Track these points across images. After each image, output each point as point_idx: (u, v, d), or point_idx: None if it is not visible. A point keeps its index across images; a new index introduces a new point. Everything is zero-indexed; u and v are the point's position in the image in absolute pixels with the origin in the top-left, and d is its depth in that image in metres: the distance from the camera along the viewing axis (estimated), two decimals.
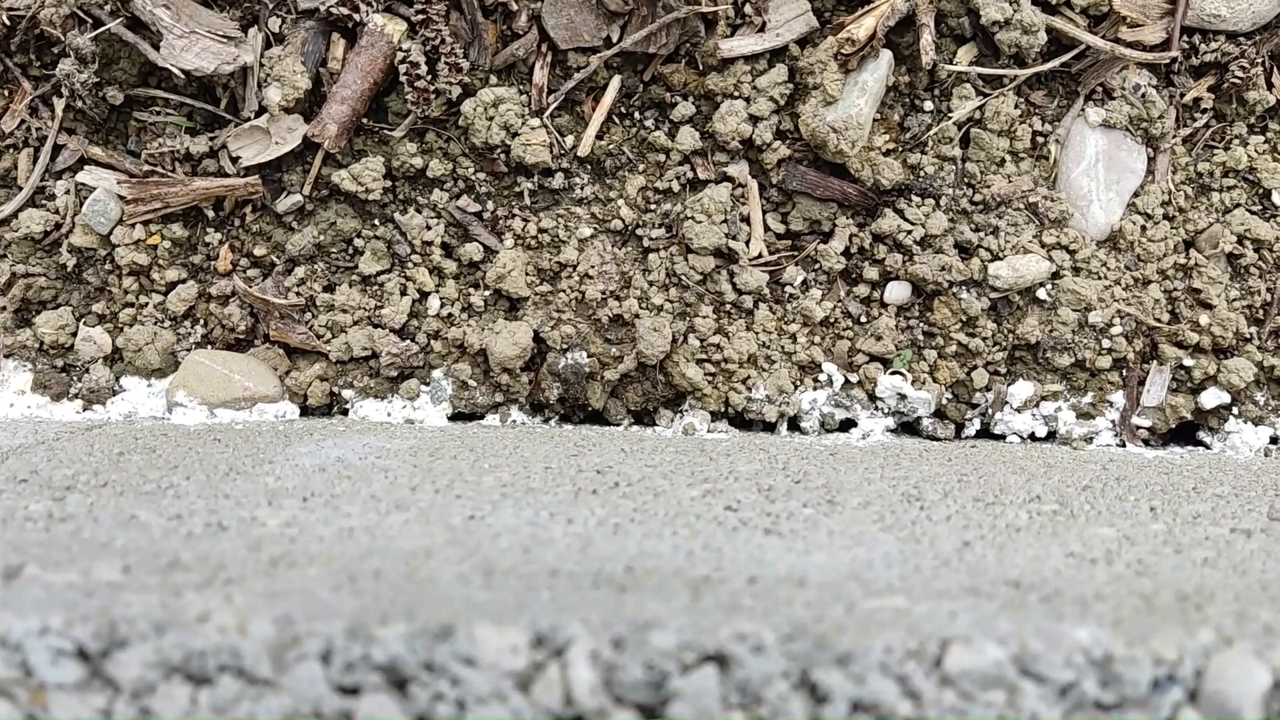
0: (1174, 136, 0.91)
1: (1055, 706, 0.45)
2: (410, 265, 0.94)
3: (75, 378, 0.94)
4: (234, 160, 0.92)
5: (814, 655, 0.45)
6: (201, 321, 0.95)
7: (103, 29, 0.87)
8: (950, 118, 0.90)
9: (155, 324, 0.94)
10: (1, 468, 0.71)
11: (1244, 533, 0.65)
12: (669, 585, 0.51)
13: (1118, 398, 0.93)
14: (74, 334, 0.94)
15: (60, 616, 0.44)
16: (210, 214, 0.93)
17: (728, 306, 0.94)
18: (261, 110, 0.90)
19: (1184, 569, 0.57)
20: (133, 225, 0.92)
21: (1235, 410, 0.93)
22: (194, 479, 0.69)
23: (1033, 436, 0.94)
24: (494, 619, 0.45)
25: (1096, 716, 0.45)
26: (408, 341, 0.95)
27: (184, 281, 0.94)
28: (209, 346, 0.95)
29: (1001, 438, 0.95)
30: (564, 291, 0.94)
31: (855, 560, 0.56)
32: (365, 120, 0.92)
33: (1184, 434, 0.96)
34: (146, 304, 0.94)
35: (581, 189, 0.94)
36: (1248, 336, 0.92)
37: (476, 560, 0.54)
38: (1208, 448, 0.94)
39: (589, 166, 0.94)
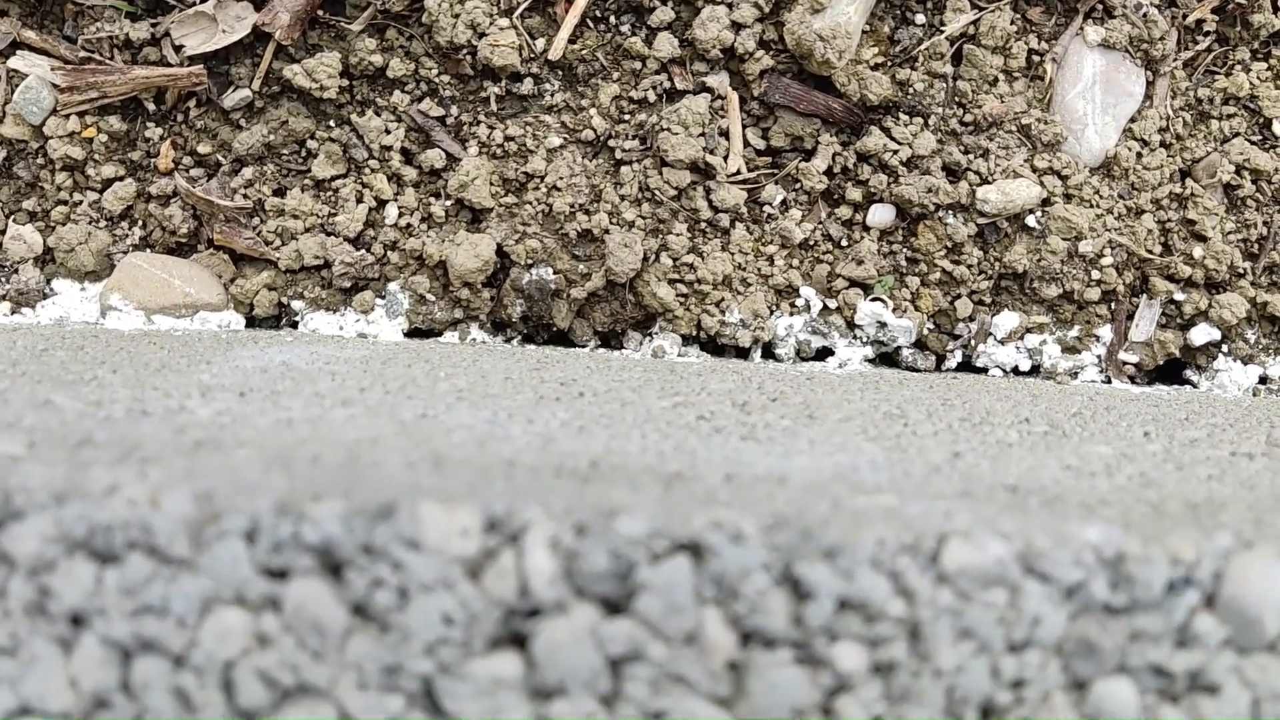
0: (1175, 60, 0.87)
1: (1060, 608, 0.41)
2: (367, 171, 0.88)
3: (3, 278, 0.87)
4: (177, 49, 0.85)
5: (798, 548, 0.40)
6: (140, 223, 0.89)
7: None
8: (943, 32, 0.86)
9: (90, 223, 0.87)
10: None
11: (1245, 455, 0.61)
12: (638, 480, 0.47)
13: (1105, 331, 0.89)
14: (2, 231, 0.87)
15: None
16: (151, 107, 0.87)
17: (703, 225, 0.89)
18: None
19: (1189, 483, 0.53)
20: (67, 116, 0.85)
21: (1225, 348, 0.89)
22: (121, 373, 0.63)
23: (1016, 370, 0.91)
24: (442, 499, 0.40)
25: (1105, 620, 0.41)
26: (363, 251, 0.89)
27: (121, 179, 0.88)
28: (148, 250, 0.88)
29: (984, 370, 0.91)
30: (530, 204, 0.89)
31: (839, 464, 0.52)
32: (321, 12, 0.86)
33: (1170, 373, 0.92)
34: (81, 202, 0.87)
35: (551, 96, 0.88)
36: (1241, 271, 0.88)
37: (426, 450, 0.49)
38: (1195, 386, 0.90)
39: (560, 72, 0.88)
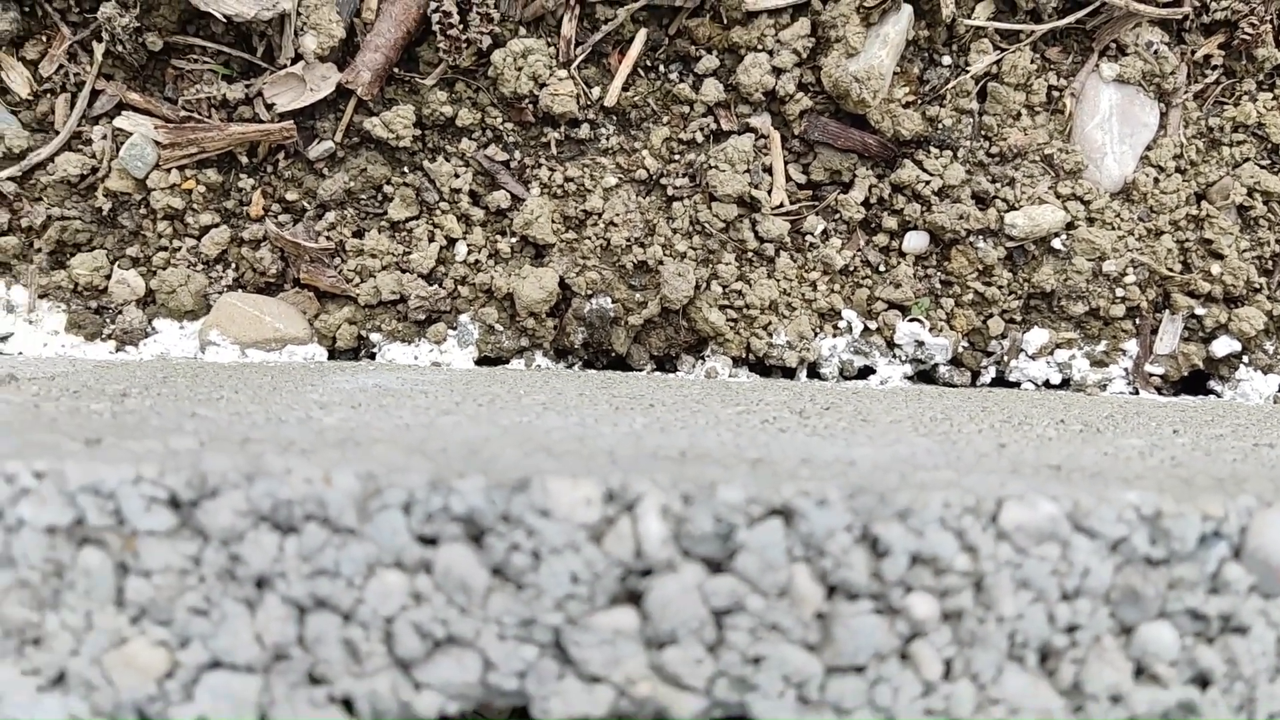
0: (1185, 92, 0.94)
1: (1107, 561, 0.47)
2: (438, 212, 0.96)
3: (109, 319, 0.95)
4: (269, 107, 0.93)
5: (875, 510, 0.46)
6: (233, 265, 0.96)
7: None
8: (968, 71, 0.93)
9: (188, 267, 0.95)
10: (52, 385, 0.72)
11: (1267, 445, 0.67)
12: (726, 462, 0.53)
13: (1131, 345, 0.95)
14: (108, 276, 0.95)
15: (153, 467, 0.45)
16: (244, 160, 0.95)
17: (750, 254, 0.96)
18: (297, 58, 0.92)
19: (1216, 465, 0.59)
20: (168, 170, 0.93)
21: (1245, 359, 0.95)
22: (243, 393, 0.70)
23: (1047, 384, 0.97)
24: (567, 475, 0.47)
25: (1146, 571, 0.47)
26: (435, 286, 0.96)
27: (217, 226, 0.96)
28: (240, 290, 0.96)
29: (1017, 384, 0.97)
30: (589, 239, 0.96)
31: (898, 453, 0.58)
32: (397, 69, 0.94)
33: (1195, 384, 0.98)
34: (180, 248, 0.95)
35: (607, 139, 0.96)
36: (1258, 286, 0.94)
37: (534, 445, 0.56)
38: (1219, 395, 0.96)
39: (615, 117, 0.96)
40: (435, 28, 0.91)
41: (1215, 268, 0.93)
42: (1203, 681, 0.48)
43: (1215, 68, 0.94)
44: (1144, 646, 0.47)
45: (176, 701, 0.46)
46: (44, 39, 0.93)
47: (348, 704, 0.47)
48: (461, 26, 0.92)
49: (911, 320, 0.96)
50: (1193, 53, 0.94)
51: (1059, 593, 0.47)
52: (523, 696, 0.47)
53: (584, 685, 0.47)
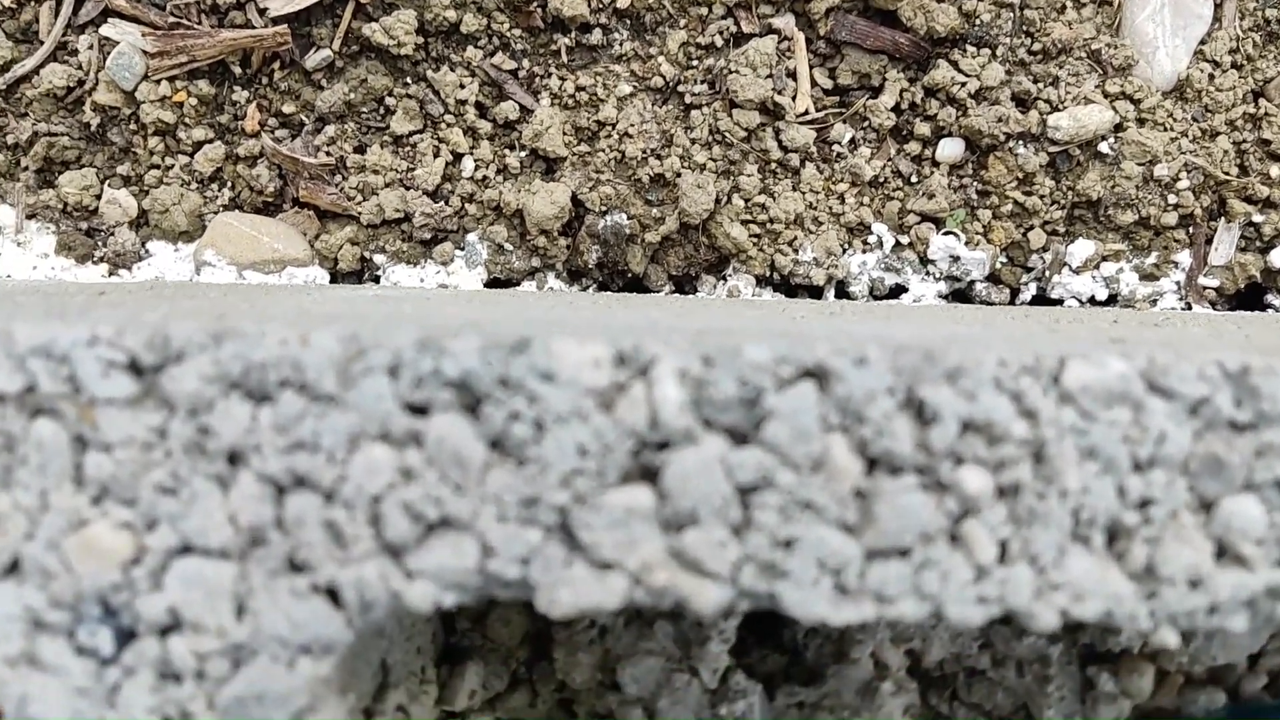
0: None
1: (1185, 425, 0.41)
2: (443, 125, 0.91)
3: (100, 241, 0.91)
4: (261, 11, 0.88)
5: (921, 370, 0.41)
6: (229, 183, 0.92)
7: None
8: None
9: (182, 185, 0.91)
10: (34, 295, 0.67)
11: None
12: (753, 333, 0.48)
13: (1183, 257, 0.89)
14: (98, 195, 0.90)
15: (111, 326, 0.40)
16: (237, 70, 0.90)
17: (773, 165, 0.90)
18: None
19: None
20: (158, 81, 0.89)
21: None
22: (231, 297, 0.66)
23: (1093, 300, 0.91)
24: (573, 334, 0.42)
25: (1230, 436, 0.41)
26: (441, 203, 0.91)
27: (211, 141, 0.91)
28: (237, 209, 0.91)
29: (1059, 302, 0.91)
30: (603, 151, 0.90)
31: (940, 332, 0.53)
32: None
33: (1252, 299, 0.92)
34: (173, 165, 0.91)
35: (620, 45, 0.91)
36: None
37: (543, 322, 0.51)
38: (1278, 310, 0.90)
39: (628, 21, 0.91)
40: None
41: (1275, 169, 0.87)
42: None
43: None
44: (1227, 523, 0.42)
45: (144, 590, 0.41)
46: None
47: (332, 593, 0.42)
48: None
49: (946, 234, 0.90)
50: None
51: (1130, 463, 0.42)
52: (526, 586, 0.42)
53: (594, 573, 0.42)
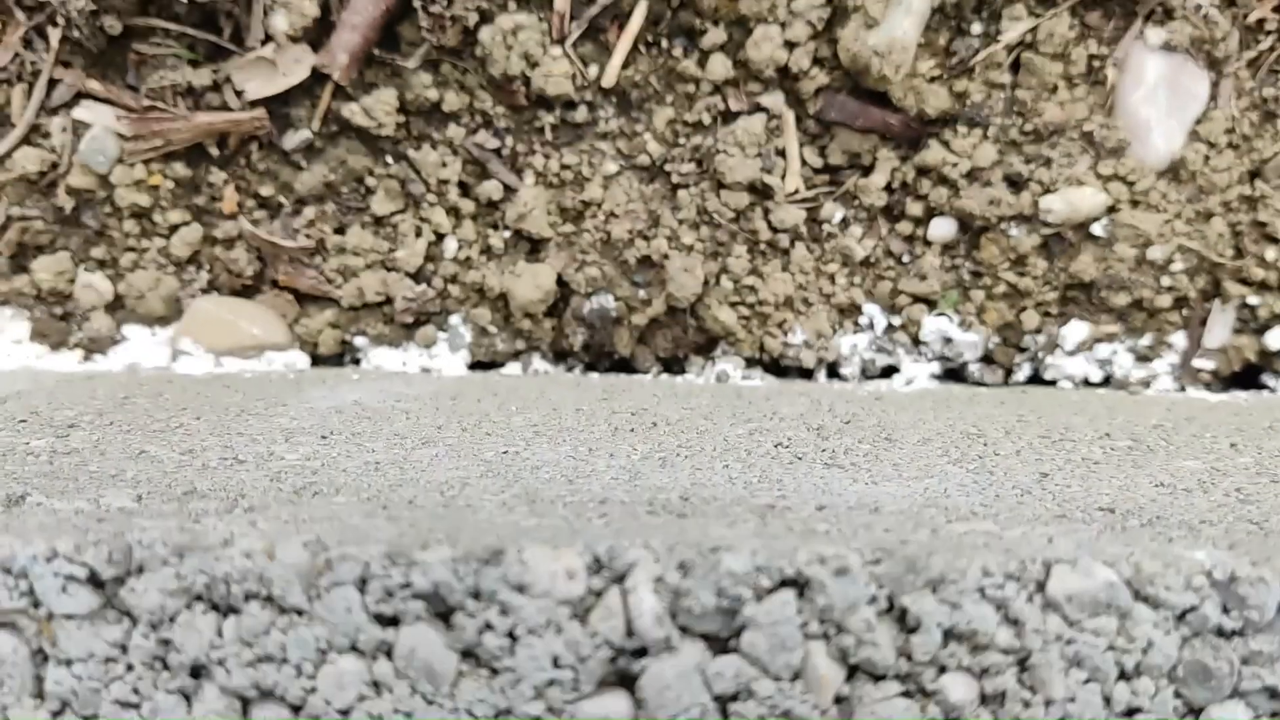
0: (1238, 60, 0.86)
1: (1172, 634, 0.40)
2: (425, 205, 0.89)
3: (75, 326, 0.89)
4: (238, 94, 0.86)
5: (903, 579, 0.40)
6: (206, 266, 0.90)
7: None
8: (1000, 41, 0.85)
9: (158, 269, 0.89)
10: (1, 409, 0.66)
11: None
12: (732, 512, 0.47)
13: (1178, 339, 0.88)
14: (73, 280, 0.89)
15: (69, 541, 0.39)
16: (214, 152, 0.88)
17: (763, 245, 0.89)
18: (267, 39, 0.85)
19: None
20: (133, 164, 0.87)
21: None
22: (204, 419, 0.64)
23: (1086, 381, 0.89)
24: (546, 542, 0.40)
25: (1218, 644, 0.40)
26: (424, 285, 0.90)
27: (188, 224, 0.89)
28: (215, 293, 0.90)
29: (1053, 383, 0.90)
30: (588, 231, 0.89)
31: (928, 490, 0.52)
32: (377, 50, 0.87)
33: (1247, 379, 0.91)
34: (148, 248, 0.89)
35: (606, 122, 0.89)
36: None
37: (518, 489, 0.50)
38: (1272, 391, 0.89)
39: (614, 98, 0.89)
40: (417, 4, 0.84)
41: (1270, 252, 0.86)
42: None
43: (1269, 32, 0.85)
44: None
45: None
46: None
47: None
48: (445, 3, 0.84)
49: (939, 315, 0.89)
50: (1245, 16, 0.85)
51: (1117, 671, 0.41)
52: None
53: None
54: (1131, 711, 0.41)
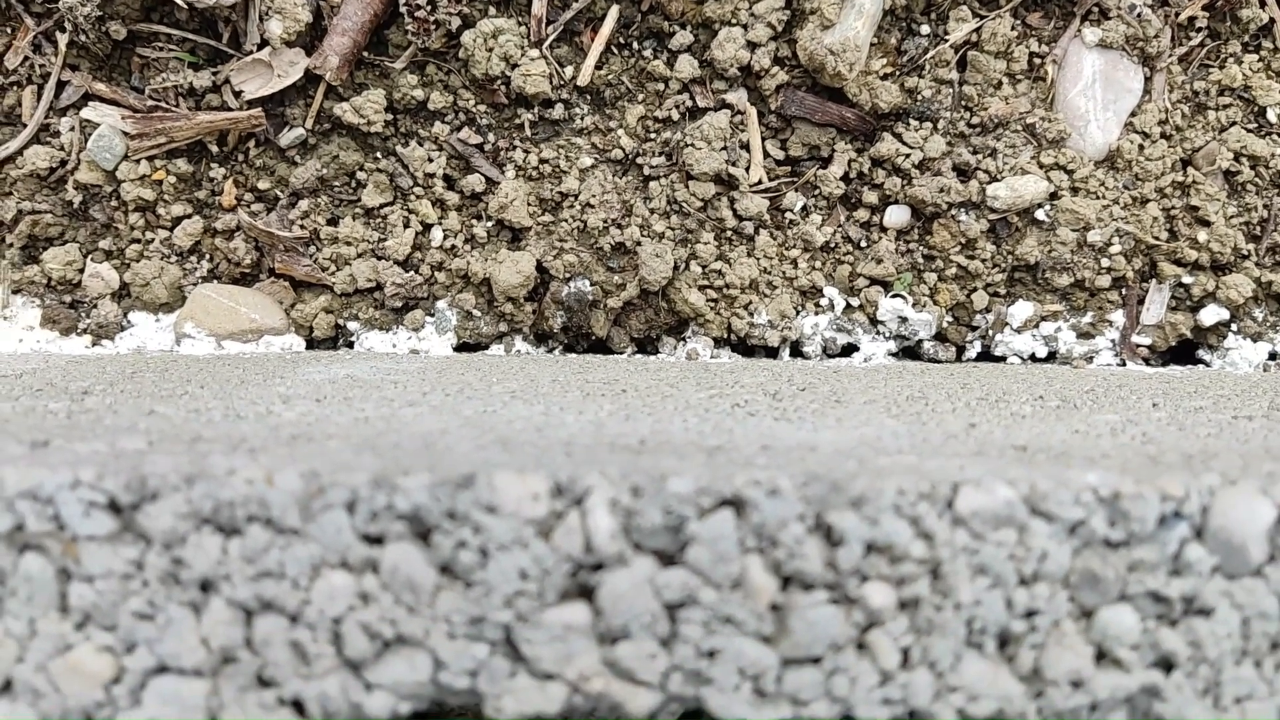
0: (1170, 55, 0.92)
1: (1065, 544, 0.46)
2: (413, 197, 0.95)
3: (83, 313, 0.95)
4: (237, 94, 0.92)
5: (828, 499, 0.45)
6: (207, 256, 0.96)
7: None
8: (947, 40, 0.91)
9: (162, 259, 0.95)
10: (16, 383, 0.71)
11: (1246, 418, 0.66)
12: (683, 451, 0.52)
13: (1117, 316, 0.94)
14: (81, 270, 0.94)
15: (91, 470, 0.45)
16: (214, 149, 0.94)
17: (729, 233, 0.95)
18: (263, 43, 0.91)
19: (1188, 440, 0.58)
20: (137, 161, 0.93)
21: (1234, 327, 0.94)
22: (208, 388, 0.70)
23: (1033, 357, 0.95)
24: (514, 469, 0.46)
25: (1105, 553, 0.46)
26: (411, 273, 0.95)
27: (189, 216, 0.95)
28: (215, 281, 0.95)
29: (1002, 359, 0.96)
30: (566, 221, 0.95)
31: (864, 436, 0.57)
32: (366, 53, 0.93)
33: (1184, 353, 0.97)
34: (153, 239, 0.95)
35: (581, 119, 0.95)
36: (1246, 253, 0.93)
37: (492, 436, 0.55)
38: (1207, 365, 0.95)
39: (589, 97, 0.95)
40: (403, 9, 0.90)
41: (1202, 235, 0.92)
42: (1166, 665, 0.47)
43: (1200, 30, 0.92)
44: (1105, 630, 0.46)
45: (124, 707, 0.46)
46: (8, 31, 0.92)
47: (298, 705, 0.46)
48: (429, 8, 0.90)
49: (894, 296, 0.95)
50: (1176, 15, 0.91)
51: (1017, 578, 0.46)
52: (475, 695, 0.47)
53: (536, 682, 0.46)
54: (1031, 613, 0.46)
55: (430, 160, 0.94)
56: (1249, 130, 0.92)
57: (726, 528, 0.45)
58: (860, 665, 0.46)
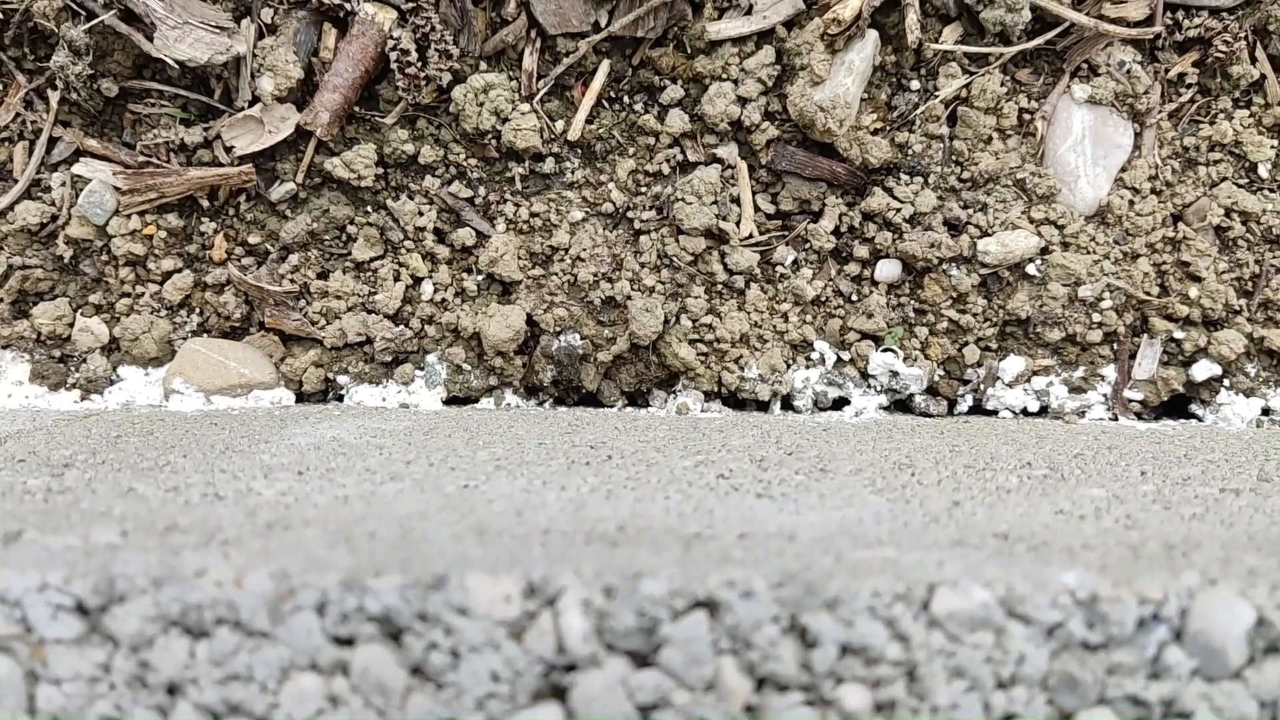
0: (1160, 111, 0.92)
1: (1042, 647, 0.45)
2: (403, 251, 0.95)
3: (73, 368, 0.95)
4: (228, 150, 0.92)
5: (803, 600, 0.45)
6: (197, 310, 0.96)
7: (96, 21, 0.87)
8: (937, 96, 0.91)
9: (152, 313, 0.95)
10: (1, 450, 0.71)
11: (1233, 492, 0.65)
12: (660, 541, 0.52)
13: (1109, 371, 0.93)
14: (71, 324, 0.94)
15: (59, 573, 0.44)
16: (205, 203, 0.94)
17: (719, 287, 0.94)
18: (255, 100, 0.91)
19: (1171, 523, 0.57)
20: (128, 216, 0.93)
21: (1227, 382, 0.93)
22: (191, 457, 0.70)
23: (1025, 411, 0.95)
24: (487, 570, 0.46)
25: (1084, 656, 0.46)
26: (401, 326, 0.95)
27: (180, 271, 0.95)
28: (205, 335, 0.95)
29: (994, 413, 0.95)
30: (556, 275, 0.95)
31: (845, 518, 0.57)
32: (357, 108, 0.93)
33: (1177, 407, 0.96)
34: (143, 294, 0.95)
35: (572, 173, 0.95)
36: (1237, 308, 0.92)
37: (470, 522, 0.55)
38: (1200, 420, 0.94)
39: (579, 151, 0.95)
40: (394, 66, 0.90)
41: (1193, 290, 0.91)
42: None
43: (1189, 86, 0.91)
44: None
45: None
46: (0, 87, 0.92)
47: None
48: (420, 64, 0.90)
49: (885, 350, 0.94)
50: (1166, 71, 0.91)
51: (994, 680, 0.46)
52: None
53: None
54: (1009, 717, 0.46)
55: (421, 214, 0.95)
56: (1240, 186, 0.92)
57: (700, 629, 0.45)
58: None
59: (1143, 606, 0.45)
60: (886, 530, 0.55)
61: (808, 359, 0.95)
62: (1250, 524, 0.57)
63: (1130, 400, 0.94)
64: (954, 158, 0.92)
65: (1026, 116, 0.92)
